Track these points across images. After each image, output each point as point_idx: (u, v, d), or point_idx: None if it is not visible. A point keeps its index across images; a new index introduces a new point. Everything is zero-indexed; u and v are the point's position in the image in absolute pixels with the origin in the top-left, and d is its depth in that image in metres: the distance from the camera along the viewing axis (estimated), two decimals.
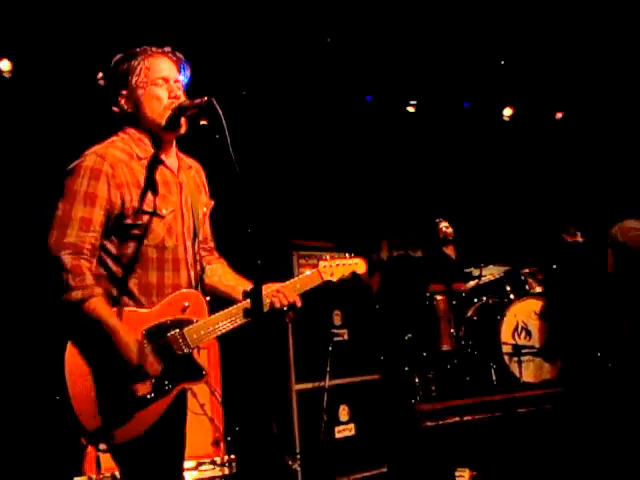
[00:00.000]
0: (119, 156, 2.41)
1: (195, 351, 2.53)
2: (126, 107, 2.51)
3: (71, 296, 2.26)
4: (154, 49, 2.56)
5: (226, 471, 4.53)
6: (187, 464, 4.51)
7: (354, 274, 2.91)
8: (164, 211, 2.47)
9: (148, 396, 2.35)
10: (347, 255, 2.90)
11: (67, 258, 2.26)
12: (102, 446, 2.32)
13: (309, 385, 4.91)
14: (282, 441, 4.73)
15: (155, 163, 2.49)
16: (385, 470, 5.06)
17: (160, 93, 2.50)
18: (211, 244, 2.84)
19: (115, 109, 2.54)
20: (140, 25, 5.24)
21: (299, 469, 4.65)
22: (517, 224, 7.86)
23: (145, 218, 2.42)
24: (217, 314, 2.58)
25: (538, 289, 6.84)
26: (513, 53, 7.32)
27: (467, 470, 4.80)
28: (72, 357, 2.29)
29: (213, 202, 2.78)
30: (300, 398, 4.85)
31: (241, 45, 6.15)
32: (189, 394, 4.34)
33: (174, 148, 2.63)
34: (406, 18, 6.45)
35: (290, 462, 4.67)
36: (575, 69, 7.42)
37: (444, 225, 7.23)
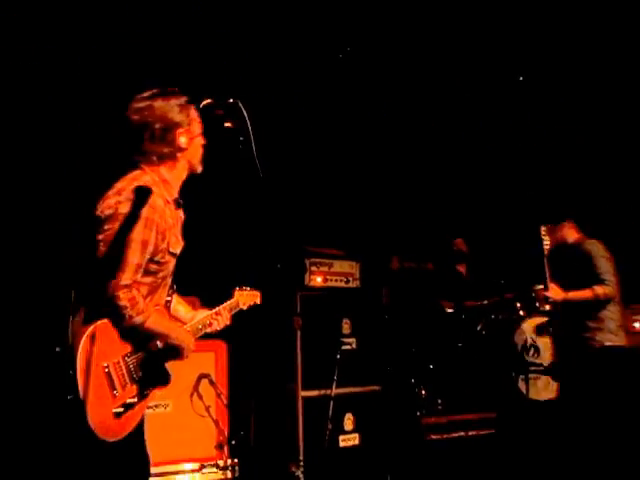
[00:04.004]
0: (161, 205, 2.68)
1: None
2: (182, 145, 2.77)
3: (133, 322, 2.57)
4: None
5: (229, 475, 4.54)
6: (190, 466, 4.53)
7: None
8: (178, 250, 2.80)
9: (135, 399, 2.60)
10: (248, 288, 3.42)
11: (123, 295, 2.53)
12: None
13: (315, 392, 4.90)
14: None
15: (177, 206, 2.80)
16: None
17: (201, 143, 2.85)
18: None
19: (173, 144, 2.74)
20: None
21: (302, 476, 4.65)
22: (528, 242, 7.81)
23: (167, 258, 2.73)
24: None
25: (548, 307, 6.80)
26: (530, 70, 7.32)
27: None
28: (85, 358, 2.44)
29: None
30: (306, 405, 4.85)
31: (258, 54, 6.17)
32: (195, 396, 4.44)
33: None
34: (427, 33, 6.47)
35: (293, 469, 4.67)
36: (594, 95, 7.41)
37: (459, 241, 7.25)
